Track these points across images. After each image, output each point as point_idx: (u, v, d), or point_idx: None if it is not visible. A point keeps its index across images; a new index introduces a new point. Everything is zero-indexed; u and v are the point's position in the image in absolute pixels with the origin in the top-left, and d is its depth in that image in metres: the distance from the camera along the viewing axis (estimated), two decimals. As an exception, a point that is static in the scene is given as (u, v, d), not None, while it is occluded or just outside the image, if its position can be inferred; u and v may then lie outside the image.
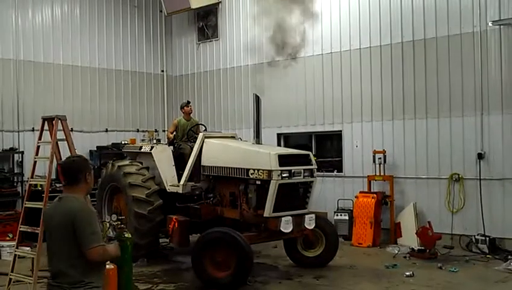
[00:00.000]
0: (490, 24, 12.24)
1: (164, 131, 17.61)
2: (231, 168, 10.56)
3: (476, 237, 12.12)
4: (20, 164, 14.60)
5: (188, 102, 13.03)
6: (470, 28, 12.49)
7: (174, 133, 12.53)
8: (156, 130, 17.57)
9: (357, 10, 14.34)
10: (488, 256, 11.64)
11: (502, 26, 12.17)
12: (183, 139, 12.31)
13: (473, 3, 12.42)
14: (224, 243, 9.49)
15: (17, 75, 14.99)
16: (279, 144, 15.72)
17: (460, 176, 12.63)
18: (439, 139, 13.01)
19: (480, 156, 12.37)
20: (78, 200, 4.66)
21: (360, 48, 14.28)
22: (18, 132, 14.82)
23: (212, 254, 9.57)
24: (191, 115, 12.97)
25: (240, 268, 9.32)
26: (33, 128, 14.42)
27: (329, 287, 9.72)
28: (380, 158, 13.51)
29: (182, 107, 12.92)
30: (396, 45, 13.64)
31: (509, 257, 11.21)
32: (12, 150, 14.59)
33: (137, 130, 17.36)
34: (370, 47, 14.10)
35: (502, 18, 12.12)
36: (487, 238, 11.96)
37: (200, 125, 12.72)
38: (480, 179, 12.34)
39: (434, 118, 13.07)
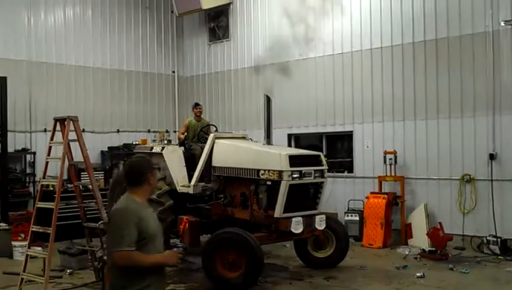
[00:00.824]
0: (502, 24, 12.16)
1: (175, 131, 17.65)
2: (242, 168, 10.57)
3: (488, 238, 12.06)
4: (32, 165, 14.72)
5: (197, 104, 13.06)
6: (482, 28, 12.43)
7: (185, 134, 12.57)
8: (167, 130, 17.63)
9: (369, 11, 14.32)
10: (499, 257, 11.58)
11: (514, 26, 12.13)
12: (194, 140, 12.34)
13: (485, 3, 12.36)
14: (235, 243, 9.50)
15: (30, 76, 15.13)
16: (289, 145, 15.72)
17: (471, 176, 12.57)
18: (450, 139, 12.96)
19: (492, 157, 12.31)
20: (123, 200, 4.60)
21: (371, 48, 14.26)
22: (30, 132, 14.95)
23: (222, 254, 9.58)
24: (202, 115, 12.99)
25: (251, 268, 9.33)
26: (45, 129, 14.52)
27: (339, 288, 9.70)
28: (390, 159, 13.48)
29: (192, 108, 12.99)
30: (408, 46, 13.60)
31: (521, 258, 11.17)
32: (25, 150, 14.71)
33: (149, 131, 17.43)
34: (381, 47, 14.07)
35: (514, 18, 12.09)
36: (499, 240, 11.90)
37: (211, 126, 12.74)
38: (492, 180, 12.28)
39: (445, 118, 13.02)
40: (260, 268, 9.48)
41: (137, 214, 4.45)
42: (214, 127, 12.79)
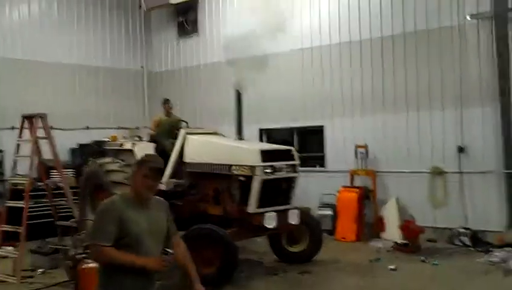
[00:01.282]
0: (468, 18, 12.33)
1: (145, 128, 17.47)
2: (214, 164, 10.52)
3: (459, 230, 12.20)
4: (0, 163, 14.43)
5: (166, 100, 12.84)
6: (449, 22, 12.58)
7: (155, 130, 12.44)
8: (137, 127, 17.45)
9: (337, 5, 14.39)
10: (470, 249, 11.74)
11: (480, 20, 12.28)
12: (165, 136, 12.21)
13: (451, -3, 12.51)
14: (209, 239, 9.45)
15: (-5, 72, 14.83)
16: (261, 140, 15.70)
17: (441, 169, 12.71)
18: (419, 133, 13.10)
19: (460, 150, 12.46)
20: (115, 196, 4.60)
21: (339, 43, 14.32)
22: (-3, 130, 14.68)
23: (197, 250, 9.50)
24: (172, 111, 12.86)
25: (225, 264, 9.30)
26: (13, 126, 14.19)
27: (314, 282, 9.73)
28: (362, 153, 13.56)
29: (162, 104, 12.86)
30: (376, 40, 13.69)
31: (491, 249, 11.31)
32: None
33: (119, 127, 17.21)
34: (350, 41, 14.15)
35: (479, 12, 12.22)
36: (469, 231, 12.06)
37: (182, 122, 12.63)
38: (461, 173, 12.44)
39: (414, 111, 13.15)
40: (235, 264, 9.47)
41: (120, 211, 4.29)
42: (184, 123, 12.69)
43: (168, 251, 4.60)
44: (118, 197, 4.47)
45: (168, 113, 12.61)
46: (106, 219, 4.28)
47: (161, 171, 4.56)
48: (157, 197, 4.64)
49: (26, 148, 9.75)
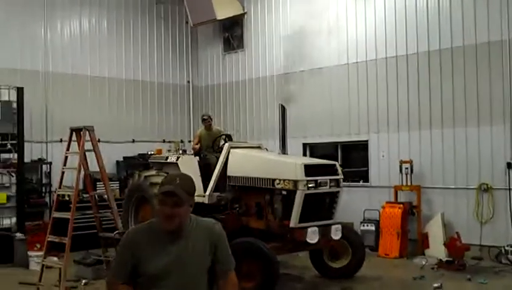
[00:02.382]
0: (518, 32, 12.12)
1: (190, 141, 17.67)
2: (257, 178, 10.53)
3: (506, 248, 11.91)
4: (48, 175, 14.79)
5: (203, 119, 12.86)
6: (498, 36, 12.36)
7: (199, 144, 12.56)
8: (181, 140, 17.67)
9: (383, 19, 14.28)
10: (518, 267, 11.46)
11: (530, 34, 12.06)
12: (208, 149, 12.32)
13: (501, 11, 12.29)
14: (250, 253, 9.44)
15: (46, 86, 15.25)
16: (304, 154, 15.67)
17: (489, 185, 12.46)
18: (467, 148, 12.86)
19: (509, 166, 12.20)
20: (145, 222, 3.98)
21: (386, 57, 14.21)
22: (46, 142, 15.05)
23: (237, 264, 9.51)
24: (215, 125, 12.95)
25: (266, 278, 9.27)
26: (61, 139, 14.55)
27: (356, 299, 9.64)
28: (406, 168, 13.38)
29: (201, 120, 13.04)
30: (423, 54, 13.55)
31: (540, 268, 11.03)
32: (41, 160, 14.80)
33: (164, 141, 17.45)
34: (396, 56, 14.02)
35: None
36: (517, 250, 11.78)
37: (224, 136, 12.71)
38: (510, 189, 12.17)
39: (462, 127, 12.93)
40: (276, 278, 9.42)
41: (136, 246, 3.72)
42: (228, 137, 12.76)
43: None
44: (145, 226, 3.85)
45: (209, 127, 12.71)
46: (123, 251, 3.80)
47: (176, 195, 3.59)
48: (206, 219, 3.91)
49: (74, 161, 9.93)
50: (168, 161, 12.23)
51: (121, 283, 3.74)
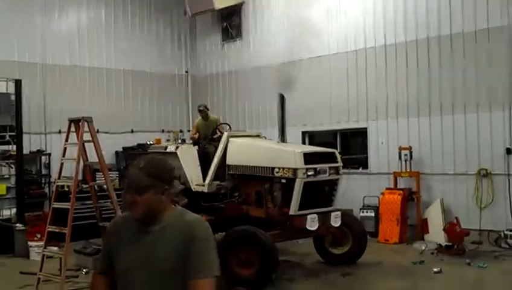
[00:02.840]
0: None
1: (189, 131, 17.66)
2: (256, 167, 10.57)
3: (505, 232, 11.94)
4: (48, 166, 14.83)
5: (199, 109, 12.90)
6: (498, 22, 12.32)
7: (197, 134, 12.58)
8: (180, 130, 17.66)
9: (381, 6, 14.23)
10: (517, 251, 11.49)
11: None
12: (207, 139, 12.33)
13: (500, -3, 12.27)
14: (248, 241, 9.51)
15: (44, 78, 15.23)
16: (303, 142, 15.68)
17: (488, 171, 12.48)
18: (466, 134, 12.85)
19: (508, 151, 12.20)
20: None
21: (385, 45, 14.16)
22: (45, 134, 15.06)
23: (236, 252, 9.59)
24: (209, 114, 12.93)
25: (264, 266, 9.32)
26: (60, 130, 14.56)
27: (356, 285, 9.67)
28: (406, 154, 13.40)
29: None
30: (422, 41, 13.50)
31: (539, 252, 11.06)
32: (40, 152, 14.82)
33: (163, 131, 17.45)
34: (395, 43, 13.98)
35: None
36: (516, 234, 11.80)
37: (223, 125, 12.69)
38: (509, 174, 12.19)
39: (461, 113, 12.92)
40: (274, 265, 9.48)
41: (113, 236, 3.42)
42: (227, 126, 12.77)
43: None
44: (126, 216, 3.42)
45: (205, 117, 12.72)
46: (104, 241, 3.57)
47: (134, 181, 3.20)
48: (191, 216, 3.34)
49: (73, 151, 9.93)
50: (167, 150, 12.24)
51: (98, 272, 3.51)
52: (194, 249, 3.15)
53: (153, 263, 3.18)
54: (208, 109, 12.96)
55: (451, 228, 11.91)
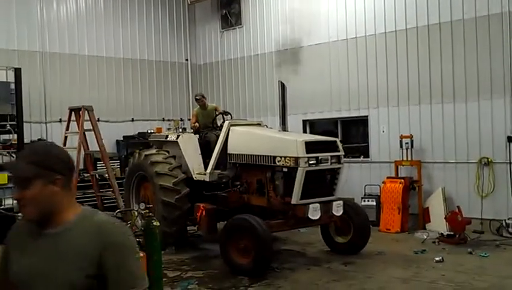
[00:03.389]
0: (518, 4, 12.01)
1: (189, 119, 17.64)
2: (258, 155, 10.53)
3: (507, 221, 11.95)
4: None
5: (196, 98, 12.97)
6: (498, 8, 12.26)
7: (197, 123, 12.58)
8: (181, 118, 17.63)
9: (382, -7, 14.16)
10: (519, 240, 11.49)
11: (530, 7, 11.96)
12: (208, 128, 12.30)
13: (501, -16, 12.19)
14: (244, 229, 9.52)
15: (44, 67, 15.18)
16: (304, 131, 15.65)
17: (489, 159, 12.45)
18: (467, 123, 12.82)
19: (510, 139, 12.17)
20: None
21: (385, 32, 14.10)
22: (45, 123, 14.99)
23: (235, 240, 9.60)
24: (207, 103, 12.94)
25: (259, 254, 9.33)
26: (60, 119, 14.52)
27: (357, 274, 9.66)
28: (407, 143, 13.37)
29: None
30: (423, 28, 13.44)
31: (541, 241, 11.07)
32: (40, 141, 14.76)
33: (163, 119, 17.44)
34: (395, 31, 13.91)
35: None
36: (518, 222, 11.81)
37: (224, 114, 12.66)
38: (510, 163, 12.16)
39: (462, 101, 12.87)
40: (268, 254, 9.47)
41: (11, 240, 2.82)
42: (228, 114, 12.72)
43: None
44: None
45: (203, 106, 12.72)
46: (2, 248, 2.86)
47: (14, 172, 2.70)
48: (104, 218, 2.71)
49: (74, 140, 9.93)
50: (168, 139, 12.20)
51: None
52: (113, 260, 2.56)
53: (57, 274, 2.56)
54: (204, 98, 12.96)
55: (453, 217, 11.91)
